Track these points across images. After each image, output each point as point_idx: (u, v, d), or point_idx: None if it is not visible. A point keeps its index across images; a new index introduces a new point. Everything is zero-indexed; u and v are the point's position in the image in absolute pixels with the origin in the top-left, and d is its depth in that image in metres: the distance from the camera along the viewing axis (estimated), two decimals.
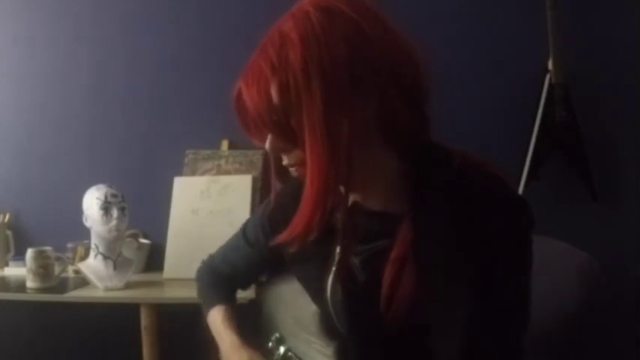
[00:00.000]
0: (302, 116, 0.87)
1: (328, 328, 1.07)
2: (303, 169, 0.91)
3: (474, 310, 0.87)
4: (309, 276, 1.07)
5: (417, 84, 0.93)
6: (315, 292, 1.05)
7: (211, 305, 1.25)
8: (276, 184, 1.04)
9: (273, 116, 0.89)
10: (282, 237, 0.95)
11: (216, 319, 1.22)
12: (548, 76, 2.24)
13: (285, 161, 0.96)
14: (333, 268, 1.00)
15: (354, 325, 1.00)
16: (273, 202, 1.11)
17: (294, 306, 1.22)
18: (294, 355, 1.09)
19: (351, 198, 1.00)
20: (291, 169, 0.96)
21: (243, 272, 1.29)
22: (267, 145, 0.94)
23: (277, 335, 1.11)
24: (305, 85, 0.86)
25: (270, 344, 1.11)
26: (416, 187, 0.92)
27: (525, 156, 2.24)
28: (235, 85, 0.95)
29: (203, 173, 2.33)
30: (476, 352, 0.88)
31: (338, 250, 1.00)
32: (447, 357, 0.89)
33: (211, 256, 1.37)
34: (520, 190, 2.22)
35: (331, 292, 1.01)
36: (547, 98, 2.24)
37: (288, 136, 0.90)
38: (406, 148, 0.94)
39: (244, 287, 1.37)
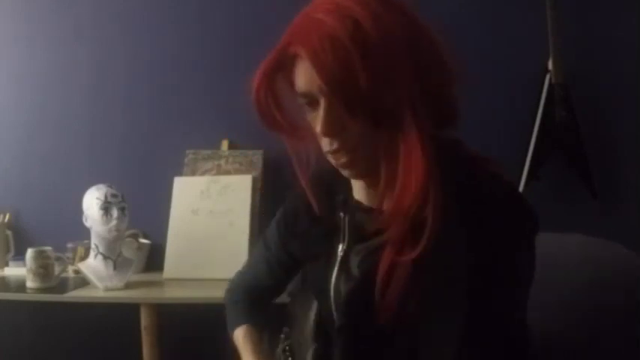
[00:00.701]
0: (393, 87, 0.85)
1: (322, 326, 1.06)
2: (349, 155, 0.90)
3: (470, 310, 0.87)
4: (315, 275, 1.07)
5: (444, 75, 0.94)
6: (320, 289, 1.05)
7: (234, 326, 1.23)
8: (303, 179, 1.01)
9: (356, 87, 0.84)
10: (387, 214, 0.90)
11: (238, 339, 1.20)
12: (548, 76, 2.24)
13: (331, 146, 0.91)
14: (336, 267, 1.01)
15: (351, 321, 0.99)
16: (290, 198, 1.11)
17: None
18: (290, 351, 1.10)
19: (357, 195, 1.01)
20: (332, 156, 0.92)
21: (266, 280, 1.25)
22: (321, 127, 0.89)
23: (286, 329, 1.14)
24: (391, 55, 0.85)
25: (282, 335, 1.14)
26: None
27: (525, 156, 2.24)
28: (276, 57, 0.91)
29: (203, 173, 2.33)
30: (469, 351, 0.88)
31: (340, 248, 1.01)
32: (439, 354, 0.89)
33: (237, 272, 1.32)
34: (520, 190, 2.22)
35: (334, 290, 1.01)
36: (547, 98, 2.24)
37: (372, 111, 0.86)
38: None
39: (272, 295, 1.30)
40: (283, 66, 0.92)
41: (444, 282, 0.88)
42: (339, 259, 1.01)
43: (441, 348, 0.88)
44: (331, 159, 0.94)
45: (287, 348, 1.11)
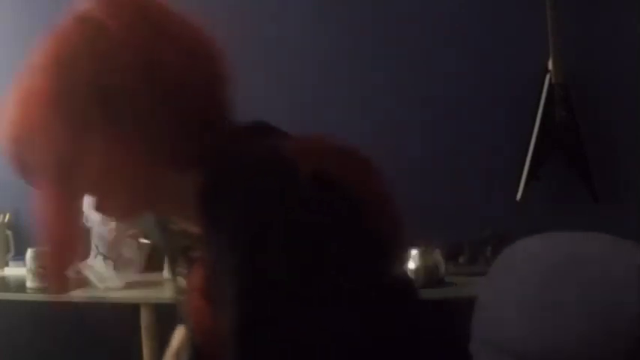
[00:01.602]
0: (47, 149, 0.83)
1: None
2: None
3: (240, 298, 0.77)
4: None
5: (200, 92, 0.86)
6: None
7: None
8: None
9: (13, 151, 0.85)
10: None
11: None
12: (548, 76, 2.24)
13: None
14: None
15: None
16: None
17: None
18: None
19: (182, 223, 0.97)
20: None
21: None
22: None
23: None
24: (45, 116, 0.83)
25: None
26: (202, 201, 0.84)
27: (525, 156, 2.24)
28: None
29: None
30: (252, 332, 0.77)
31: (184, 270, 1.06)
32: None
33: None
34: (520, 190, 2.22)
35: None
36: (547, 98, 2.24)
37: (29, 171, 0.87)
38: (197, 160, 0.85)
39: None
40: None
41: (221, 285, 0.80)
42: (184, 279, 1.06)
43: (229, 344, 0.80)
44: None
45: None
